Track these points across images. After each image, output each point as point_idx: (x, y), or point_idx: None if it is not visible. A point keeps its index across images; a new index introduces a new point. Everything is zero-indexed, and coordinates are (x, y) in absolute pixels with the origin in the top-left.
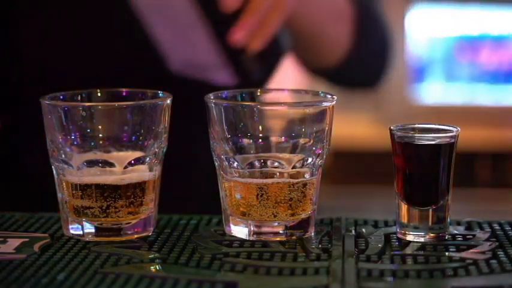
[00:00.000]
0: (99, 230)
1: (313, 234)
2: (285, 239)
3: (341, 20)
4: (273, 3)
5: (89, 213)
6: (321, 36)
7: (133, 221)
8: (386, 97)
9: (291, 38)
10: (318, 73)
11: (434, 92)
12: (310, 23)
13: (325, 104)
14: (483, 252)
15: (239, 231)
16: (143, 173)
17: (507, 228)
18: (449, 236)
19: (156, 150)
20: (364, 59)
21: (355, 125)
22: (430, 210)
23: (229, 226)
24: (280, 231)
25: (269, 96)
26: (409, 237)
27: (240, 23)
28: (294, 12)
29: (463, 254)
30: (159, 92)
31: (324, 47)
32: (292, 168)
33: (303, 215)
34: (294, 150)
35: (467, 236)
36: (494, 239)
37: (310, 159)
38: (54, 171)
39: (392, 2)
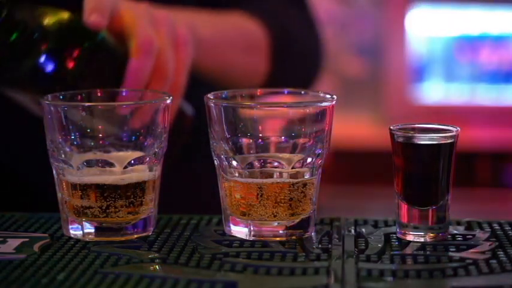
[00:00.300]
0: (99, 230)
1: (313, 234)
2: (284, 239)
3: (256, 50)
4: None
5: (88, 213)
6: (235, 70)
7: (133, 221)
8: (386, 97)
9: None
10: None
11: (434, 91)
12: (222, 60)
13: (325, 104)
14: (483, 252)
15: (239, 231)
16: (143, 173)
17: (507, 228)
18: (449, 236)
19: (156, 150)
20: (287, 78)
21: (355, 125)
22: (430, 210)
23: (229, 226)
24: (280, 231)
25: (269, 96)
26: (409, 237)
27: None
28: (201, 54)
29: (463, 254)
30: (159, 91)
31: (240, 78)
32: (292, 168)
33: (303, 215)
34: (293, 150)
35: (467, 236)
36: (494, 239)
37: (310, 159)
38: (54, 171)
39: (392, 2)
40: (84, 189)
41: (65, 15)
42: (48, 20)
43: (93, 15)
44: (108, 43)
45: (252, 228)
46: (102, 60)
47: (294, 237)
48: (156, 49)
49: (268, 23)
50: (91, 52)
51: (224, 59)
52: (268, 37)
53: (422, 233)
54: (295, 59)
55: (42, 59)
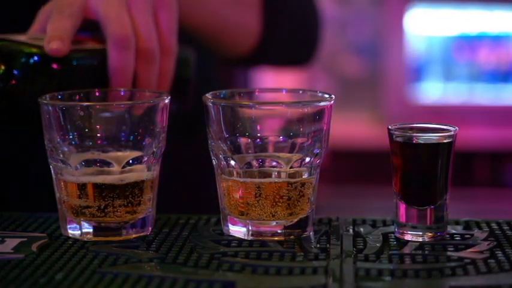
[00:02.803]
0: (97, 230)
1: (311, 233)
2: (283, 238)
3: (247, 5)
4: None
5: (87, 213)
6: (227, 27)
7: (132, 221)
8: (384, 96)
9: (196, 33)
10: (234, 61)
11: (432, 91)
12: (212, 15)
13: (323, 103)
14: (481, 252)
15: (237, 230)
16: (141, 172)
17: (505, 228)
18: (448, 236)
19: (154, 149)
20: (281, 40)
21: (354, 125)
22: (428, 210)
23: (228, 226)
24: (279, 231)
25: (267, 96)
26: (407, 237)
27: None
28: (189, 11)
29: (461, 254)
30: (157, 91)
31: (233, 37)
32: (290, 167)
33: (301, 215)
34: (292, 149)
35: (466, 236)
36: (492, 239)
37: (308, 159)
38: (52, 171)
39: (390, 2)
40: (82, 188)
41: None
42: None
43: (54, 42)
44: (80, 61)
45: (250, 228)
46: (81, 76)
47: (292, 237)
48: (132, 39)
49: None
50: (64, 80)
51: (214, 14)
52: None
53: (421, 233)
54: (289, 17)
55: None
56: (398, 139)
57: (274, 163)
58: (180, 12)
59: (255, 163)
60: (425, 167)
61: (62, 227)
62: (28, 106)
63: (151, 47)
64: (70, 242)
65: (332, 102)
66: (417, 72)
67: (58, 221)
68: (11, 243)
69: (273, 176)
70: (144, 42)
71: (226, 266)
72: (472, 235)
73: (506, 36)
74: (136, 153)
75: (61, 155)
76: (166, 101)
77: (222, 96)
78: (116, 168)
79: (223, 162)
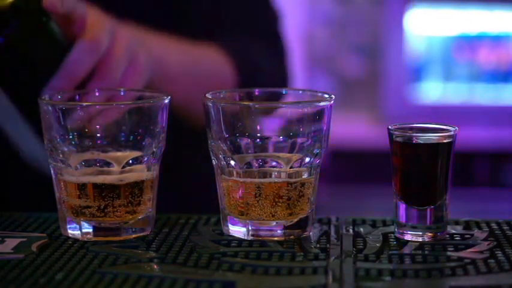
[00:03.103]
0: (97, 230)
1: (311, 233)
2: (283, 238)
3: (222, 85)
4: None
5: (87, 213)
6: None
7: (132, 221)
8: (384, 96)
9: None
10: None
11: (432, 91)
12: (185, 92)
13: (323, 103)
14: (481, 252)
15: (237, 230)
16: (141, 172)
17: (505, 228)
18: (448, 236)
19: (154, 149)
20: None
21: (354, 125)
22: (428, 210)
23: (227, 226)
24: (278, 231)
25: (267, 96)
26: (407, 237)
27: None
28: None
29: (461, 254)
30: (157, 91)
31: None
32: (290, 167)
33: (301, 215)
34: (292, 149)
35: (466, 236)
36: (492, 239)
37: (308, 159)
38: (52, 171)
39: (390, 2)
40: (82, 188)
41: None
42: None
43: None
44: (52, 28)
45: (250, 228)
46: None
47: (292, 237)
48: (101, 49)
49: (236, 58)
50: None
51: (189, 90)
52: (236, 72)
53: (421, 233)
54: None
55: None
56: (398, 139)
57: (274, 163)
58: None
59: (254, 163)
60: (425, 167)
61: (62, 227)
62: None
63: (116, 67)
64: (70, 242)
65: (332, 102)
66: (417, 72)
67: (58, 221)
68: (11, 243)
69: (273, 176)
70: (113, 59)
71: (226, 266)
72: (472, 235)
73: (506, 36)
74: (136, 153)
75: (61, 155)
76: (166, 101)
77: (221, 96)
78: (116, 168)
79: (223, 162)
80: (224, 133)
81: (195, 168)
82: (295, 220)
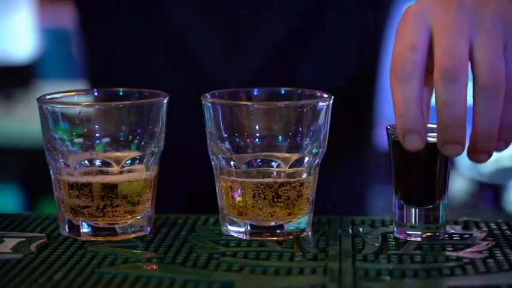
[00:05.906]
0: (96, 230)
1: (310, 233)
2: (282, 238)
3: None
4: None
5: (85, 213)
6: None
7: (130, 221)
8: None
9: None
10: None
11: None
12: None
13: (322, 103)
14: (480, 252)
15: (236, 230)
16: (140, 172)
17: (504, 228)
18: (446, 236)
19: (153, 149)
20: None
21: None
22: (428, 210)
23: (226, 225)
24: (277, 231)
25: (266, 95)
26: (406, 237)
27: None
28: None
29: (460, 254)
30: (156, 91)
31: None
32: (289, 167)
33: (300, 215)
34: (290, 149)
35: (464, 235)
36: (491, 239)
37: (307, 159)
38: (51, 171)
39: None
40: (81, 188)
41: None
42: None
43: (411, 136)
44: None
45: (249, 228)
46: None
47: (291, 237)
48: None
49: None
50: None
51: None
52: None
53: (420, 233)
54: None
55: None
56: (397, 139)
57: (273, 163)
58: None
59: (253, 163)
60: (424, 167)
61: (61, 226)
62: None
63: None
64: (69, 242)
65: (331, 101)
66: None
67: (57, 220)
68: (10, 243)
69: (272, 175)
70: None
71: (225, 266)
72: (470, 235)
73: None
74: (135, 153)
75: (60, 155)
76: (166, 100)
77: (221, 96)
78: (114, 168)
79: (222, 162)
80: (223, 133)
81: (194, 168)
82: (294, 220)
